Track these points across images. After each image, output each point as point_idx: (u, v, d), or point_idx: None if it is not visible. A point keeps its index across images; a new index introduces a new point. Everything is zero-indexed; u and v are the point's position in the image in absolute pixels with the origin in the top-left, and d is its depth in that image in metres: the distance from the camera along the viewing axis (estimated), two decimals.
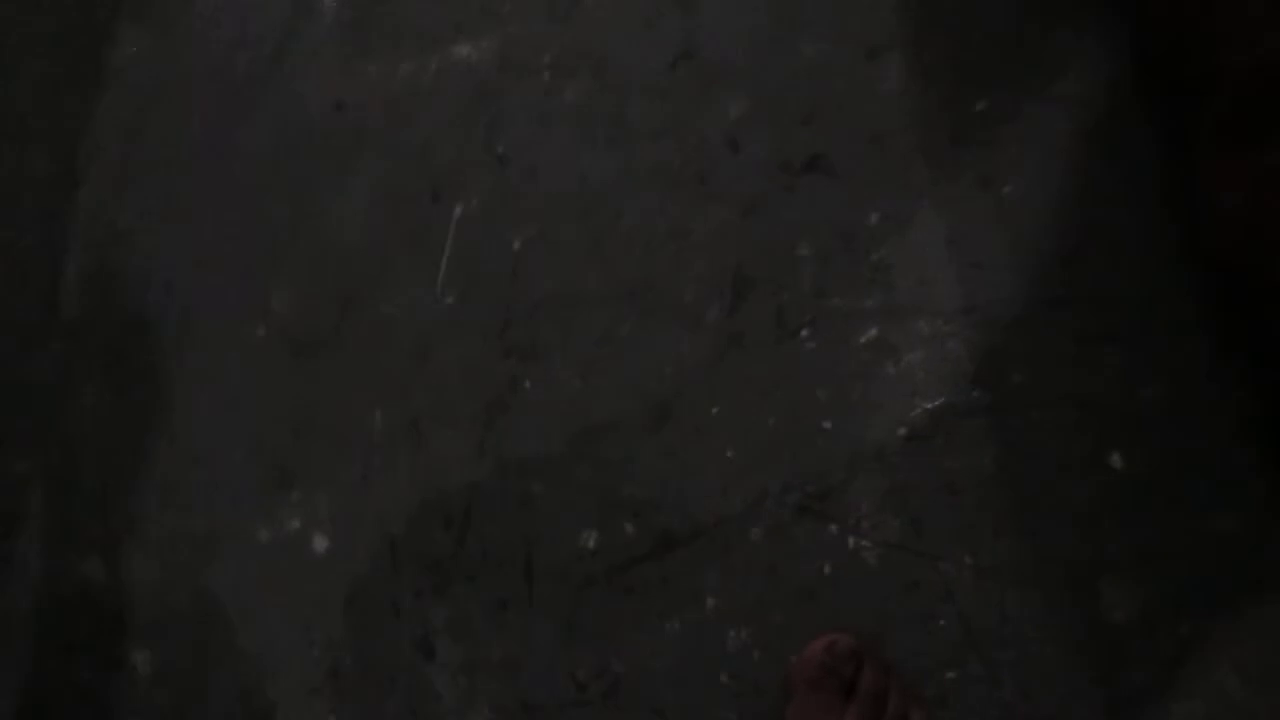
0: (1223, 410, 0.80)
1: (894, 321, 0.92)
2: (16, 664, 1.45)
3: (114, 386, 1.45)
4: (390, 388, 1.19)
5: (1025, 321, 0.87)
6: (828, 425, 0.94)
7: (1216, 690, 0.78)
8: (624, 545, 1.02)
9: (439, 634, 1.12)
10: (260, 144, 1.37)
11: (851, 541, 0.91)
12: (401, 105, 1.24)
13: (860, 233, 0.95)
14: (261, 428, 1.29)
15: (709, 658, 0.97)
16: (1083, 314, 0.85)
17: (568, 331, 1.07)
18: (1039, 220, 0.88)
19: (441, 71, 1.21)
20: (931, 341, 0.90)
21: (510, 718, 1.07)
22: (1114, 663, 0.81)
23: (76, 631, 1.41)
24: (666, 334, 1.02)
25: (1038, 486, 0.85)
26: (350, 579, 1.19)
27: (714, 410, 0.99)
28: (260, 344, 1.31)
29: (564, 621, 1.05)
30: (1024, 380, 0.87)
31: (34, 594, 1.46)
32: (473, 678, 1.10)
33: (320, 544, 1.22)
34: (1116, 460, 0.83)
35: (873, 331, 0.93)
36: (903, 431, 0.90)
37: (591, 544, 1.04)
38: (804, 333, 0.95)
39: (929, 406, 0.90)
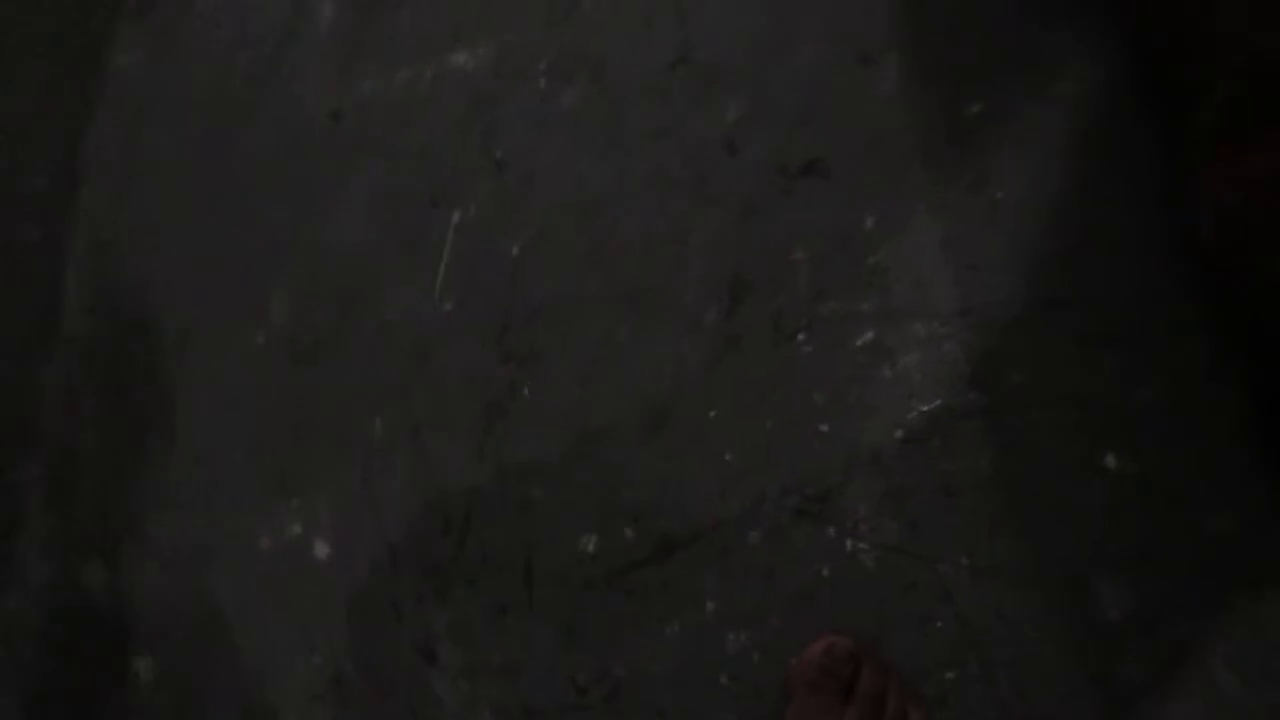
0: (1219, 410, 0.80)
1: (890, 324, 0.92)
2: (19, 671, 1.45)
3: (114, 392, 1.45)
4: (390, 393, 1.19)
5: (1022, 323, 0.87)
6: (825, 428, 0.94)
7: (1213, 689, 0.79)
8: (623, 549, 1.02)
9: (440, 639, 1.12)
10: (259, 149, 1.37)
11: (849, 544, 0.92)
12: (399, 111, 1.25)
13: (857, 236, 0.95)
14: (261, 433, 1.29)
15: (709, 660, 0.97)
16: (1079, 315, 0.85)
17: (566, 336, 1.08)
18: (1035, 222, 0.88)
19: (438, 78, 1.21)
20: (928, 344, 0.90)
21: None
22: (1111, 662, 0.81)
23: (78, 639, 1.41)
24: (664, 338, 1.02)
25: (1035, 487, 0.85)
26: (351, 584, 1.19)
27: (712, 414, 0.99)
28: (260, 350, 1.31)
29: (564, 625, 1.05)
30: (1020, 382, 0.87)
31: (35, 601, 1.46)
32: (474, 682, 1.10)
33: (321, 550, 1.22)
34: (1113, 461, 0.83)
35: (869, 334, 0.93)
36: (899, 434, 0.91)
37: (591, 548, 1.04)
38: (801, 336, 0.96)
39: (926, 409, 0.90)
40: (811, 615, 0.92)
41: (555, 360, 1.08)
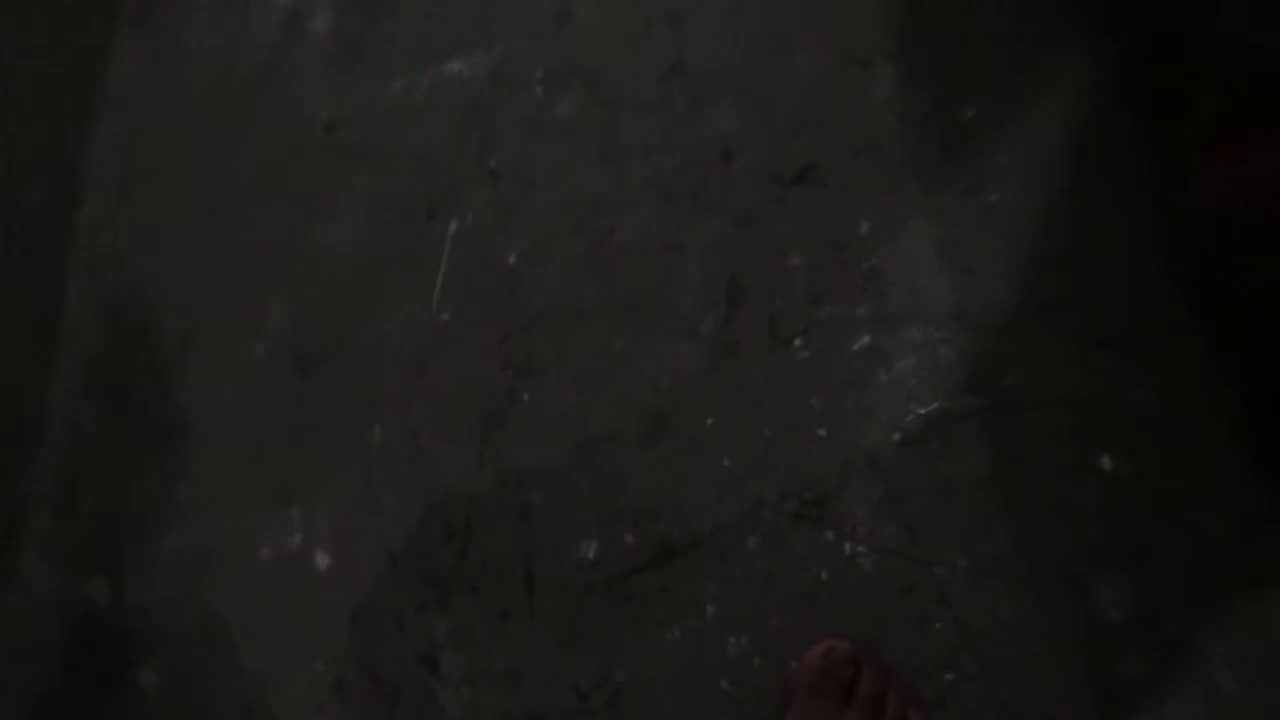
0: (1216, 411, 0.81)
1: (886, 329, 0.92)
2: (23, 685, 1.46)
3: (115, 405, 1.45)
4: (389, 403, 1.19)
5: (1016, 326, 0.88)
6: (822, 433, 0.94)
7: (1210, 687, 0.79)
8: (623, 555, 1.03)
9: (442, 646, 1.13)
10: (257, 157, 1.37)
11: (848, 547, 0.92)
12: (395, 122, 1.25)
13: (852, 242, 0.95)
14: (262, 444, 1.29)
15: (709, 665, 0.97)
16: (1074, 318, 0.85)
17: (564, 344, 1.08)
18: (1029, 225, 0.88)
19: (434, 88, 1.22)
20: (923, 348, 0.91)
21: None
22: (1109, 661, 0.82)
23: (82, 651, 1.41)
24: (662, 345, 1.03)
25: (1032, 489, 0.86)
26: (353, 594, 1.20)
27: (710, 420, 0.99)
28: (259, 361, 1.31)
29: (565, 632, 1.05)
30: (1016, 384, 0.87)
31: (38, 608, 1.46)
32: (476, 689, 1.10)
33: (322, 560, 1.22)
34: (1109, 462, 0.83)
35: (865, 339, 0.93)
36: (896, 437, 0.91)
37: (591, 554, 1.04)
38: (797, 342, 0.96)
39: (922, 412, 0.90)
40: (811, 618, 0.93)
41: (553, 368, 1.09)
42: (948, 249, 0.91)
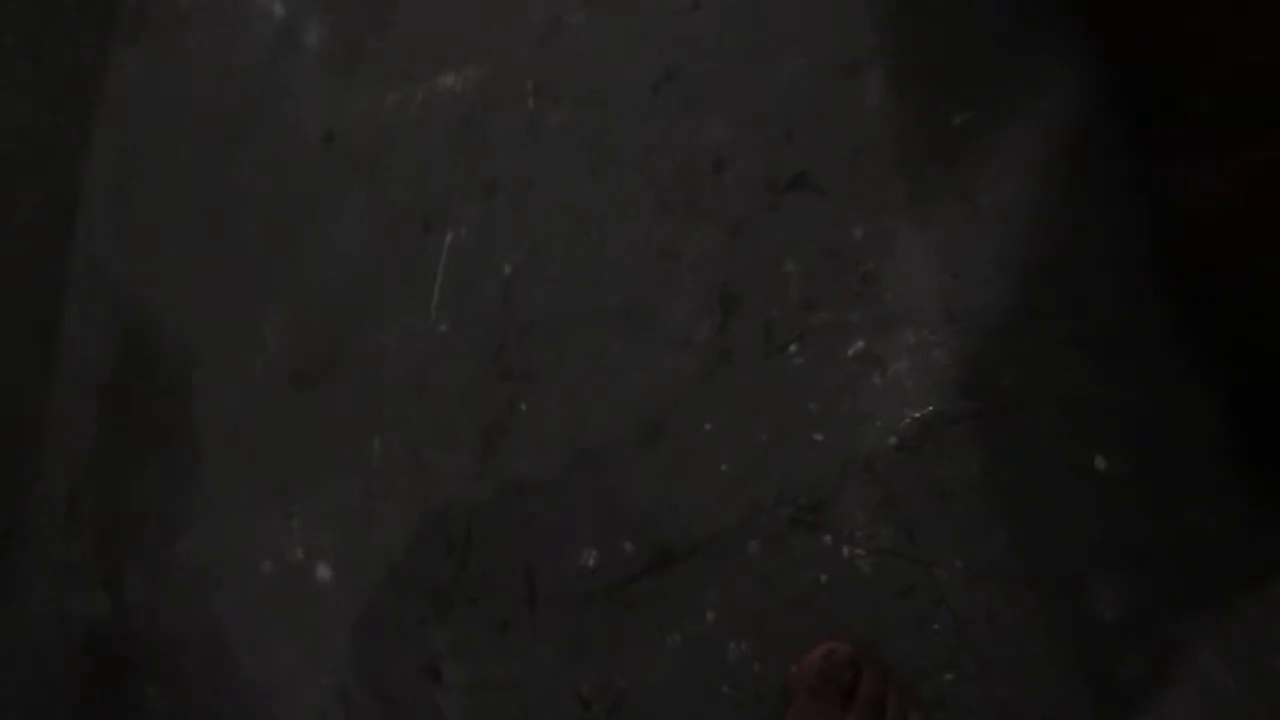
0: (1208, 410, 0.81)
1: (880, 333, 0.93)
2: (25, 700, 1.46)
3: (114, 422, 1.45)
4: (388, 415, 1.20)
5: (1009, 329, 0.88)
6: (819, 437, 0.95)
7: (1205, 682, 0.79)
8: (623, 562, 1.03)
9: (444, 657, 1.13)
10: (252, 176, 1.38)
11: (846, 550, 0.92)
12: (390, 135, 1.25)
13: (845, 247, 0.95)
14: (262, 456, 1.30)
15: (710, 670, 0.97)
16: (1065, 320, 0.86)
17: (561, 354, 1.08)
18: (1019, 229, 0.89)
19: (428, 101, 1.22)
20: (918, 351, 0.91)
21: None
22: (1107, 661, 0.82)
23: (86, 668, 1.42)
24: (658, 353, 1.03)
25: (1027, 490, 0.86)
26: (355, 606, 1.20)
27: (707, 426, 1.00)
28: (258, 375, 1.31)
29: (567, 640, 1.06)
30: (1010, 386, 0.88)
31: (40, 628, 1.46)
32: (478, 699, 1.10)
33: (323, 572, 1.22)
34: (1103, 462, 0.84)
35: (860, 344, 0.94)
36: (892, 441, 0.92)
37: (591, 562, 1.05)
38: (793, 347, 0.96)
39: (918, 415, 0.91)
40: (810, 622, 0.93)
41: (551, 377, 1.09)
42: (941, 253, 0.91)
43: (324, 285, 1.27)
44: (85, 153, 1.57)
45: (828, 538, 0.93)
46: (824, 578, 0.93)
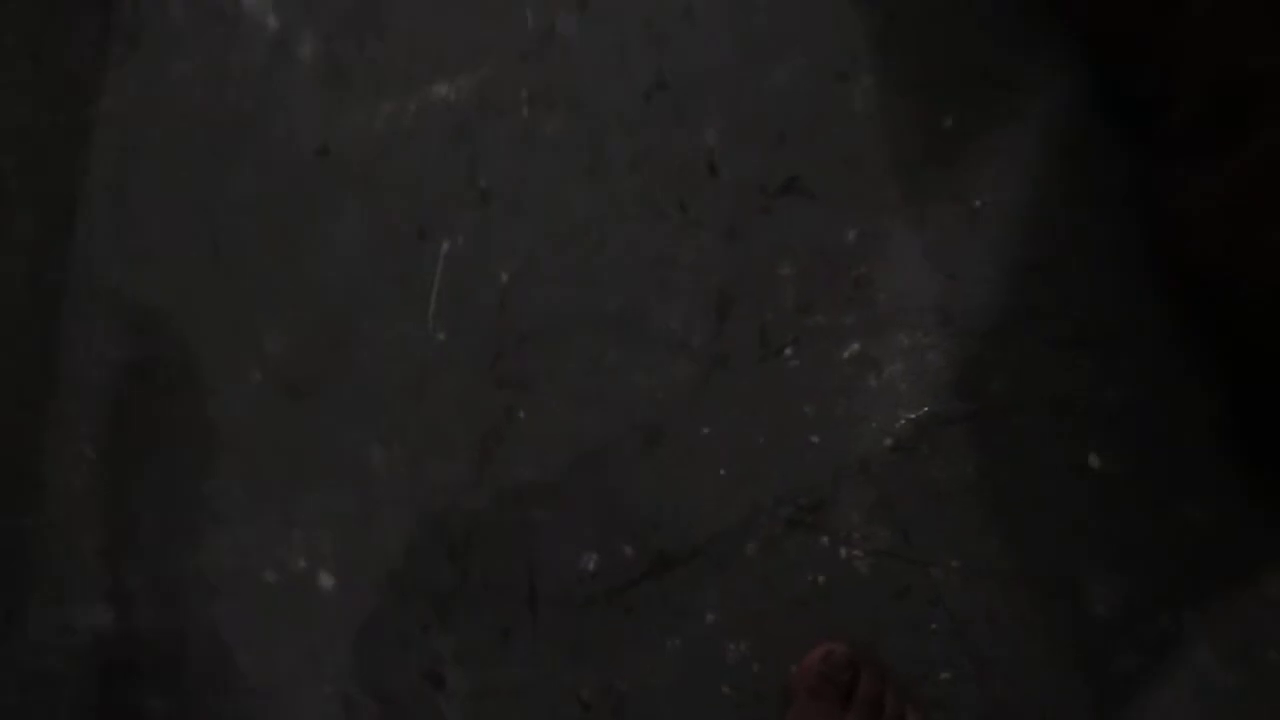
0: (1195, 408, 0.82)
1: (875, 336, 0.93)
2: (29, 710, 1.46)
3: (112, 436, 1.45)
4: (387, 424, 1.20)
5: (1002, 330, 0.89)
6: (815, 440, 0.95)
7: (1200, 675, 0.80)
8: (623, 566, 1.03)
9: (446, 662, 1.13)
10: (247, 189, 1.38)
11: (843, 552, 0.93)
12: (385, 145, 1.25)
13: (839, 250, 0.96)
14: (262, 468, 1.30)
15: (710, 671, 0.98)
16: (1058, 321, 0.86)
17: (558, 360, 1.09)
18: (1011, 231, 0.89)
19: (421, 111, 1.22)
20: (912, 353, 0.92)
21: None
22: (1102, 655, 0.83)
23: (90, 682, 1.42)
24: (655, 358, 1.03)
25: (1020, 489, 0.87)
26: (357, 613, 1.20)
27: (704, 430, 1.00)
28: (256, 386, 1.31)
29: (568, 644, 1.06)
30: (1004, 387, 0.88)
31: (43, 642, 1.46)
32: (481, 704, 1.11)
33: (326, 581, 1.23)
34: (1096, 461, 0.84)
35: (855, 346, 0.94)
36: (888, 442, 0.92)
37: (591, 566, 1.05)
38: (788, 351, 0.97)
39: (913, 417, 0.91)
40: (809, 623, 0.93)
41: (548, 384, 1.09)
42: (934, 255, 0.92)
43: (320, 295, 1.27)
44: (80, 169, 1.56)
45: (825, 539, 0.94)
46: (822, 579, 0.94)
